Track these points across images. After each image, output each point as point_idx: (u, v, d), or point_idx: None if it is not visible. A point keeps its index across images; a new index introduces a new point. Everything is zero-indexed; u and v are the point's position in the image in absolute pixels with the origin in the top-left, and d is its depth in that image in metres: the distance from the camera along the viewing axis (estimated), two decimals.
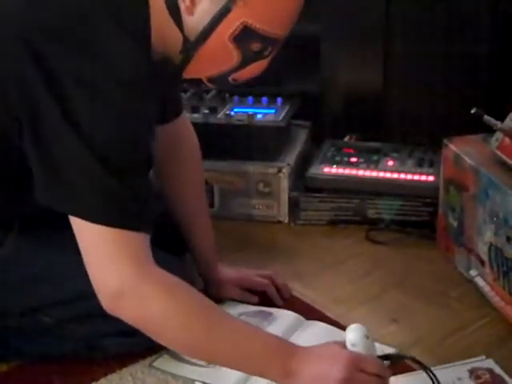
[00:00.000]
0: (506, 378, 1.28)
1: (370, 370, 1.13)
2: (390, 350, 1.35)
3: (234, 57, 1.19)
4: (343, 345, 1.16)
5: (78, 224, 1.14)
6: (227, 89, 1.97)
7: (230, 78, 1.23)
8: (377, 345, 1.38)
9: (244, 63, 1.20)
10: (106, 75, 1.11)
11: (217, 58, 1.20)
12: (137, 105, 1.14)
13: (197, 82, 1.27)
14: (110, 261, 1.13)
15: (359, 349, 1.15)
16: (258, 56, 1.20)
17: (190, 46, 1.18)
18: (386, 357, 1.19)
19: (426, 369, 1.19)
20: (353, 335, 1.16)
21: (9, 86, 1.13)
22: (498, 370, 1.29)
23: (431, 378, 1.18)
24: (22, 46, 1.10)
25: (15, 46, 1.11)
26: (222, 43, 1.17)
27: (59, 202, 1.15)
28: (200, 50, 1.18)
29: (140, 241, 1.15)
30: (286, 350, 1.17)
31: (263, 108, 1.96)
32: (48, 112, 1.11)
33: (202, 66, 1.22)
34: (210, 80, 1.24)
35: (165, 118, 1.45)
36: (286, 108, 1.96)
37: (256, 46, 1.18)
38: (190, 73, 1.23)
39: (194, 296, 1.18)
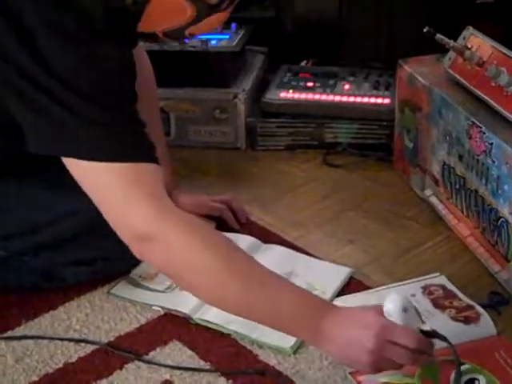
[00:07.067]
0: (457, 292, 1.30)
1: (401, 342, 1.04)
2: (347, 270, 1.37)
3: (188, 11, 1.13)
4: (382, 311, 1.08)
5: (82, 169, 1.08)
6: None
7: (186, 33, 1.18)
8: (331, 265, 1.41)
9: (199, 17, 1.14)
10: (80, 25, 1.06)
11: (169, 11, 1.15)
12: (113, 49, 1.10)
13: (153, 37, 1.21)
14: (127, 202, 1.07)
15: (395, 319, 1.07)
16: (214, 9, 1.14)
17: None
18: (426, 332, 1.08)
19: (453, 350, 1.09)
20: (390, 307, 1.08)
21: None
22: (449, 285, 1.31)
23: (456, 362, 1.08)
24: None
25: None
26: None
27: (59, 148, 1.09)
28: (151, 2, 1.12)
29: (152, 173, 1.10)
30: (320, 308, 1.09)
31: (217, 34, 1.92)
32: (27, 64, 1.06)
33: (155, 20, 1.16)
34: (166, 35, 1.19)
35: None
36: (241, 33, 1.94)
37: None
38: (144, 27, 1.17)
39: (219, 240, 1.13)
